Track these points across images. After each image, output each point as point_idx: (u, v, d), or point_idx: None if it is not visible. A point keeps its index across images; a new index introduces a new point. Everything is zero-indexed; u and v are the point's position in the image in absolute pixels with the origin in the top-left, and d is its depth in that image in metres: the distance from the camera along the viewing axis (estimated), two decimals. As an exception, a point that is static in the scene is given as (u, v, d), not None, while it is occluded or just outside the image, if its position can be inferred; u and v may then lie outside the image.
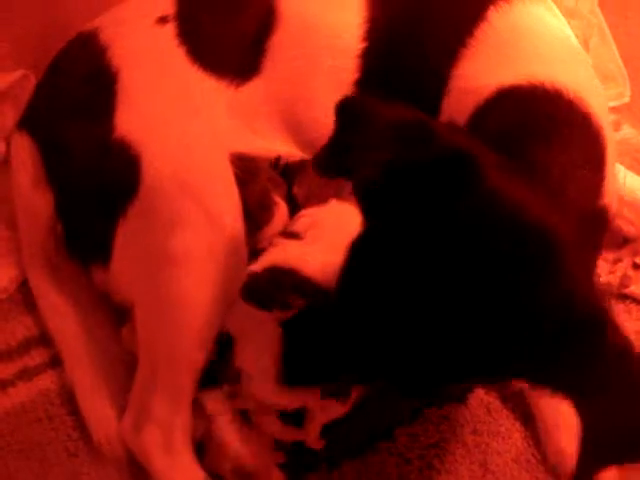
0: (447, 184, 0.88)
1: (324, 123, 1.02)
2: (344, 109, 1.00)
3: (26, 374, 1.37)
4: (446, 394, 1.33)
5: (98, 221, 1.26)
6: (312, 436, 1.23)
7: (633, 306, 1.50)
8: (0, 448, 1.28)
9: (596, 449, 0.98)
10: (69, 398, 1.33)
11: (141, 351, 1.25)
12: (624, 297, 1.51)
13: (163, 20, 1.33)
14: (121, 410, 1.27)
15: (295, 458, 1.25)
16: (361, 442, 1.30)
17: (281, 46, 1.34)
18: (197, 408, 1.23)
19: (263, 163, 1.35)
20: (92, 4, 1.48)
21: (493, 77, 1.21)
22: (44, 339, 1.40)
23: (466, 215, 0.89)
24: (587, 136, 1.13)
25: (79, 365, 1.33)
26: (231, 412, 1.22)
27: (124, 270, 1.27)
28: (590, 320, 0.91)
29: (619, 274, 1.52)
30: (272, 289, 1.10)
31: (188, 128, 1.27)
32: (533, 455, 1.31)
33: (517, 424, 1.34)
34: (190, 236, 1.20)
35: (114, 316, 1.36)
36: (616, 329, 0.94)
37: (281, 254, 1.18)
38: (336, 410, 1.21)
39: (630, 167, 1.63)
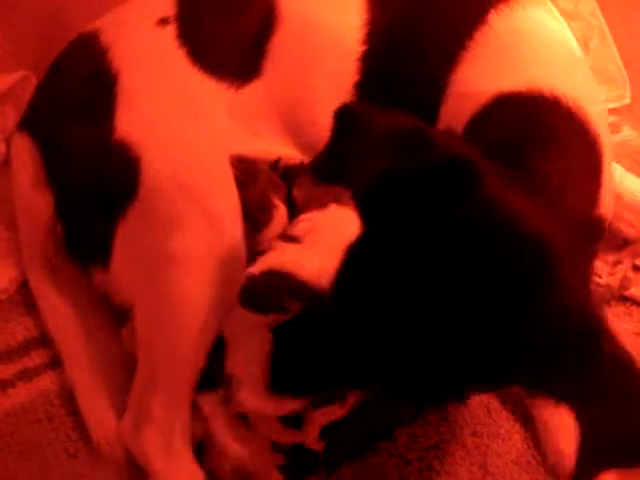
0: (445, 191, 0.88)
1: (324, 125, 1.03)
2: (342, 116, 1.01)
3: (26, 375, 1.37)
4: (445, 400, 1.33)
5: (98, 222, 1.26)
6: (311, 438, 1.23)
7: (634, 308, 1.50)
8: (0, 449, 1.28)
9: (594, 454, 0.98)
10: (69, 399, 1.32)
11: (140, 352, 1.24)
12: (624, 299, 1.50)
13: (164, 21, 1.34)
14: (121, 411, 1.26)
15: (294, 460, 1.25)
16: (361, 443, 1.30)
17: (281, 48, 1.35)
18: (196, 409, 1.23)
19: (263, 165, 1.35)
20: (93, 5, 1.48)
21: (492, 82, 1.21)
22: (44, 340, 1.40)
23: (464, 223, 0.89)
24: (584, 145, 1.14)
25: (79, 366, 1.33)
26: (229, 414, 1.22)
27: (124, 271, 1.27)
28: (586, 329, 0.91)
29: (619, 276, 1.51)
30: (269, 293, 1.09)
31: (188, 130, 1.28)
32: (533, 457, 1.30)
33: (517, 426, 1.33)
34: (190, 237, 1.20)
35: (114, 317, 1.36)
36: (612, 338, 0.95)
37: (279, 257, 1.17)
38: (335, 412, 1.21)
39: (630, 169, 1.63)
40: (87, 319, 1.36)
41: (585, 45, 1.79)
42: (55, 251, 1.36)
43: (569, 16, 1.75)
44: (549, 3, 1.35)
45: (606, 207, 1.14)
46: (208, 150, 1.27)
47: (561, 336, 0.89)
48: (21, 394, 1.34)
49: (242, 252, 1.23)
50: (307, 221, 1.25)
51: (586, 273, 1.11)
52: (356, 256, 0.94)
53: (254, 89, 1.35)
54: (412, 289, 0.89)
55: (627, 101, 1.82)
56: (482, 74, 1.24)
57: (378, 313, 0.91)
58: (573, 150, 1.11)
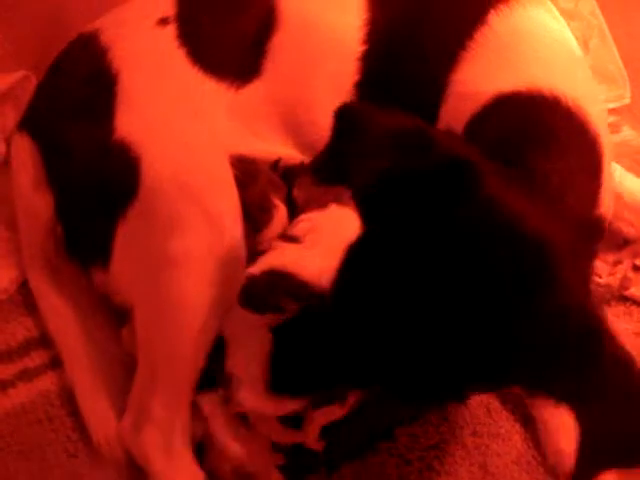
0: (445, 191, 0.88)
1: (324, 125, 1.03)
2: (342, 116, 1.01)
3: (26, 375, 1.37)
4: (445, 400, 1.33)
5: (98, 222, 1.26)
6: (311, 438, 1.23)
7: (634, 308, 1.50)
8: (0, 449, 1.28)
9: (594, 454, 0.98)
10: (69, 399, 1.32)
11: (140, 352, 1.24)
12: (624, 299, 1.51)
13: (164, 21, 1.34)
14: (121, 411, 1.26)
15: (294, 460, 1.25)
16: (361, 443, 1.30)
17: (281, 48, 1.35)
18: (196, 409, 1.23)
19: (263, 165, 1.35)
20: (93, 5, 1.49)
21: (492, 83, 1.21)
22: (44, 340, 1.39)
23: (464, 223, 0.89)
24: (584, 145, 1.14)
25: (79, 366, 1.33)
26: (228, 414, 1.22)
27: (124, 271, 1.27)
28: (586, 329, 0.91)
29: (619, 276, 1.51)
30: (268, 293, 1.09)
31: (188, 129, 1.28)
32: (533, 457, 1.30)
33: (517, 426, 1.34)
34: (190, 237, 1.20)
35: (114, 317, 1.36)
36: (612, 338, 0.95)
37: (279, 257, 1.17)
38: (335, 412, 1.21)
39: (630, 169, 1.63)
40: (87, 319, 1.36)
41: (585, 45, 1.79)
42: (55, 251, 1.36)
43: (569, 15, 1.75)
44: (549, 3, 1.35)
45: (606, 207, 1.14)
46: (208, 150, 1.27)
47: (561, 336, 0.90)
48: (21, 394, 1.34)
49: (242, 252, 1.23)
50: (307, 221, 1.25)
51: (586, 273, 1.11)
52: (356, 256, 0.94)
53: (254, 89, 1.35)
54: (412, 289, 0.89)
55: (627, 101, 1.82)
56: (482, 74, 1.24)
57: (378, 313, 0.91)
58: (573, 150, 1.11)
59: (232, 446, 1.22)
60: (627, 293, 1.51)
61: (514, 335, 0.89)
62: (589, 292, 1.05)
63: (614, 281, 1.51)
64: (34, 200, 1.34)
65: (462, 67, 1.26)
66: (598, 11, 1.86)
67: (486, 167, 0.93)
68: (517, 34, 1.26)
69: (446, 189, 0.89)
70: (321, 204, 1.27)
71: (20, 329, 1.42)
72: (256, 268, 1.15)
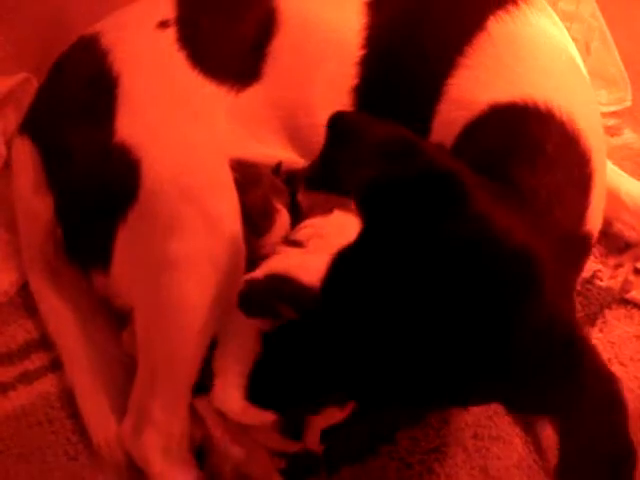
0: (432, 203, 0.89)
1: (323, 130, 1.03)
2: (334, 125, 1.01)
3: (26, 377, 1.37)
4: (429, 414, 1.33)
5: (98, 225, 1.27)
6: (311, 441, 1.22)
7: (635, 311, 1.49)
8: (0, 451, 1.28)
9: (574, 472, 0.98)
10: (69, 401, 1.32)
11: (140, 355, 1.24)
12: (625, 302, 1.50)
13: (164, 25, 1.34)
14: (121, 414, 1.26)
15: (295, 463, 1.25)
16: (362, 446, 1.30)
17: (281, 52, 1.35)
18: (195, 411, 1.23)
19: (265, 169, 1.35)
20: (94, 8, 1.49)
21: (488, 92, 1.20)
22: (44, 343, 1.39)
23: (451, 237, 0.89)
24: (574, 160, 1.12)
25: (79, 369, 1.33)
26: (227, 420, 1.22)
27: (124, 274, 1.27)
28: (567, 344, 0.91)
29: (620, 279, 1.52)
30: (266, 296, 1.09)
31: (188, 132, 1.28)
32: (534, 460, 1.30)
33: (518, 429, 1.33)
34: (190, 240, 1.20)
35: (114, 320, 1.36)
36: (594, 354, 0.95)
37: (282, 262, 1.17)
38: (335, 415, 1.21)
39: (631, 172, 1.63)
40: (87, 322, 1.36)
41: (586, 47, 1.79)
42: (55, 254, 1.36)
43: (569, 18, 1.75)
44: (549, 8, 1.34)
45: (594, 224, 1.13)
46: (208, 153, 1.27)
47: (543, 350, 0.90)
48: (21, 397, 1.34)
49: (242, 255, 1.23)
50: (311, 226, 1.26)
51: (570, 288, 1.11)
52: (343, 264, 0.94)
53: (254, 92, 1.35)
54: (397, 301, 0.89)
55: (628, 104, 1.82)
56: (478, 82, 1.23)
57: (362, 324, 0.91)
58: (561, 165, 1.10)
59: (232, 450, 1.21)
60: (628, 296, 1.51)
61: (497, 348, 0.89)
62: (573, 307, 1.05)
63: (615, 284, 1.51)
64: (34, 203, 1.34)
65: (459, 73, 1.25)
66: (599, 13, 1.87)
67: (471, 180, 0.93)
68: (516, 41, 1.25)
69: (432, 199, 0.89)
70: (325, 210, 1.27)
71: (20, 331, 1.42)
72: (258, 272, 1.16)
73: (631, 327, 1.47)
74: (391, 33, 1.32)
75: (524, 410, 1.02)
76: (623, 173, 1.59)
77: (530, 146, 1.11)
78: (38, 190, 1.33)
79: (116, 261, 1.27)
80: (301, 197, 1.32)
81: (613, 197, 1.51)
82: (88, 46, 1.35)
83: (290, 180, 1.37)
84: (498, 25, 1.26)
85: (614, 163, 1.59)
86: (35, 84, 1.55)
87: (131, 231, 1.24)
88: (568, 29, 1.40)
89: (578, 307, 1.46)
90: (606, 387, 0.95)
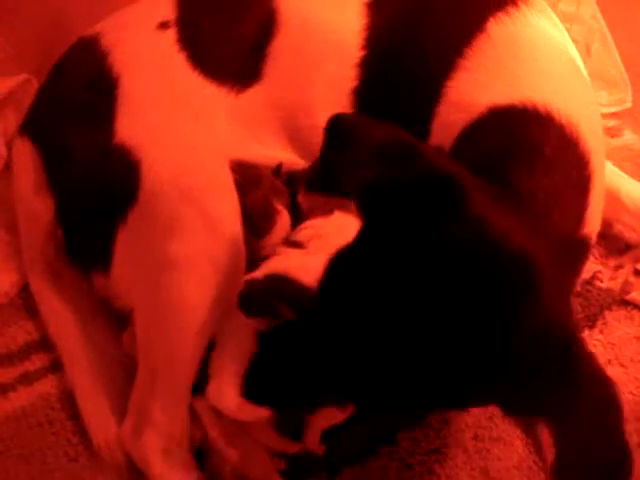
0: (430, 205, 0.89)
1: (323, 131, 1.03)
2: (333, 127, 1.01)
3: (27, 378, 1.37)
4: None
5: (98, 226, 1.27)
6: (312, 441, 1.23)
7: (635, 312, 1.49)
8: (0, 452, 1.28)
9: (570, 474, 0.98)
10: (69, 402, 1.32)
11: (140, 356, 1.25)
12: (626, 303, 1.50)
13: (164, 25, 1.34)
14: (121, 415, 1.26)
15: (295, 464, 1.25)
16: (362, 447, 1.30)
17: (281, 52, 1.35)
18: (195, 413, 1.23)
19: (265, 171, 1.35)
20: (94, 9, 1.49)
21: (487, 94, 1.20)
22: (45, 344, 1.40)
23: (449, 239, 0.89)
24: (572, 163, 1.12)
25: (79, 370, 1.33)
26: (227, 419, 1.22)
27: (124, 275, 1.27)
28: (565, 349, 0.92)
29: (621, 280, 1.52)
30: (267, 296, 1.10)
31: (188, 133, 1.28)
32: (534, 462, 1.30)
33: (518, 430, 1.33)
34: (190, 241, 1.20)
35: (114, 321, 1.36)
36: (591, 358, 0.95)
37: (282, 262, 1.18)
38: (336, 416, 1.21)
39: (632, 173, 1.63)
40: (88, 323, 1.36)
41: (586, 49, 1.79)
42: (56, 255, 1.36)
43: (570, 19, 1.75)
44: (549, 10, 1.34)
45: (592, 227, 1.13)
46: (208, 154, 1.27)
47: (540, 353, 0.91)
48: (22, 398, 1.34)
49: (242, 256, 1.23)
50: (311, 227, 1.26)
51: (568, 291, 1.11)
52: (340, 265, 0.94)
53: (254, 94, 1.35)
54: (394, 303, 0.90)
55: (628, 105, 1.82)
56: (478, 84, 1.23)
57: (356, 327, 0.92)
58: (559, 168, 1.10)
59: (228, 450, 1.21)
60: (628, 297, 1.50)
61: (495, 351, 0.89)
62: (570, 311, 1.05)
63: (615, 285, 1.51)
64: (35, 204, 1.34)
65: (459, 75, 1.25)
66: (599, 15, 1.87)
67: (470, 183, 0.93)
68: (515, 43, 1.25)
69: (431, 202, 0.89)
70: (325, 211, 1.27)
71: (21, 333, 1.42)
72: (258, 272, 1.16)
73: (631, 328, 1.47)
74: (391, 34, 1.32)
75: (521, 413, 1.02)
76: (623, 174, 1.59)
77: (529, 149, 1.11)
78: (38, 191, 1.33)
79: (116, 262, 1.27)
80: (301, 198, 1.32)
81: (613, 198, 1.51)
82: (88, 47, 1.36)
83: (290, 181, 1.37)
84: (498, 27, 1.26)
85: (614, 164, 1.59)
86: (35, 85, 1.55)
87: (131, 232, 1.24)
88: (568, 30, 1.40)
89: (578, 308, 1.46)
90: (602, 391, 0.95)
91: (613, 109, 1.80)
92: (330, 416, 1.21)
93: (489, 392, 0.95)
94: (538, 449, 1.31)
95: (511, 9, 1.28)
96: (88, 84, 1.31)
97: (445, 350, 0.89)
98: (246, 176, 1.30)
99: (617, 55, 1.85)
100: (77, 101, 1.31)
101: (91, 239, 1.29)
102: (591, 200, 1.12)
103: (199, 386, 1.20)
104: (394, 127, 0.98)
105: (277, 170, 1.37)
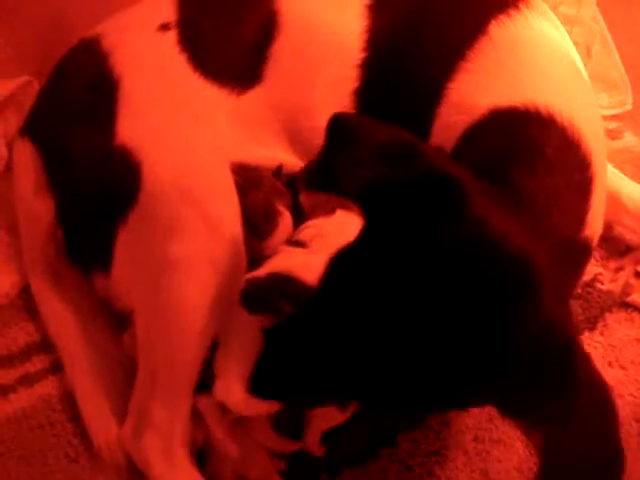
0: (431, 205, 0.89)
1: (324, 132, 1.03)
2: (334, 126, 1.01)
3: (27, 380, 1.37)
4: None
5: (99, 227, 1.27)
6: (312, 443, 1.23)
7: (635, 314, 1.49)
8: (1, 454, 1.28)
9: (564, 475, 0.99)
10: (70, 404, 1.32)
11: (141, 357, 1.25)
12: (626, 305, 1.50)
13: (165, 27, 1.34)
14: (122, 416, 1.26)
15: (295, 465, 1.25)
16: (362, 449, 1.30)
17: (282, 54, 1.35)
18: (197, 414, 1.23)
19: (265, 172, 1.35)
20: (95, 10, 1.49)
21: (489, 96, 1.20)
22: (45, 345, 1.40)
23: (449, 240, 0.89)
24: (574, 165, 1.12)
25: (80, 371, 1.33)
26: (228, 419, 1.22)
27: (125, 276, 1.27)
28: (564, 352, 0.92)
29: (621, 282, 1.51)
30: (269, 294, 1.10)
31: (189, 135, 1.28)
32: (535, 464, 1.30)
33: (519, 432, 1.33)
34: (190, 242, 1.20)
35: (115, 322, 1.36)
36: (588, 362, 0.95)
37: (285, 261, 1.18)
38: (336, 417, 1.21)
39: (632, 175, 1.63)
40: (88, 324, 1.36)
41: (587, 51, 1.79)
42: (56, 256, 1.36)
43: (570, 22, 1.75)
44: (550, 12, 1.34)
45: (593, 229, 1.13)
46: (209, 155, 1.27)
47: (538, 355, 0.91)
48: (22, 399, 1.34)
49: (242, 257, 1.23)
50: (313, 227, 1.26)
51: (568, 293, 1.11)
52: (341, 264, 0.94)
53: (255, 95, 1.35)
54: (392, 302, 0.90)
55: (629, 107, 1.82)
56: (479, 86, 1.23)
57: (356, 325, 0.92)
58: (561, 169, 1.10)
59: (233, 451, 1.21)
60: (629, 299, 1.50)
61: (493, 351, 0.90)
62: (570, 313, 1.05)
63: (616, 287, 1.51)
64: (35, 205, 1.34)
65: (460, 77, 1.25)
66: (600, 17, 1.87)
67: (471, 184, 0.93)
68: (517, 45, 1.25)
69: (431, 202, 0.89)
70: (327, 210, 1.27)
71: (21, 334, 1.42)
72: (261, 271, 1.16)
73: (632, 330, 1.47)
74: (392, 36, 1.32)
75: (518, 414, 1.02)
76: (624, 176, 1.59)
77: (530, 150, 1.11)
78: (39, 192, 1.34)
79: (116, 263, 1.27)
80: (303, 198, 1.32)
81: (614, 200, 1.51)
82: (89, 48, 1.36)
83: (291, 183, 1.37)
84: (499, 29, 1.26)
85: (615, 166, 1.59)
86: (36, 87, 1.55)
87: (132, 233, 1.24)
88: (569, 33, 1.40)
89: (579, 310, 1.46)
90: (598, 394, 0.95)
91: (613, 111, 1.80)
92: (330, 417, 1.22)
93: (488, 392, 0.95)
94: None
95: (512, 11, 1.28)
96: (89, 85, 1.32)
97: (444, 349, 0.89)
98: (247, 178, 1.30)
99: (617, 57, 1.85)
100: (78, 102, 1.31)
101: (91, 240, 1.29)
102: (593, 202, 1.12)
103: (203, 385, 1.21)
104: (395, 127, 0.99)
105: (277, 171, 1.37)
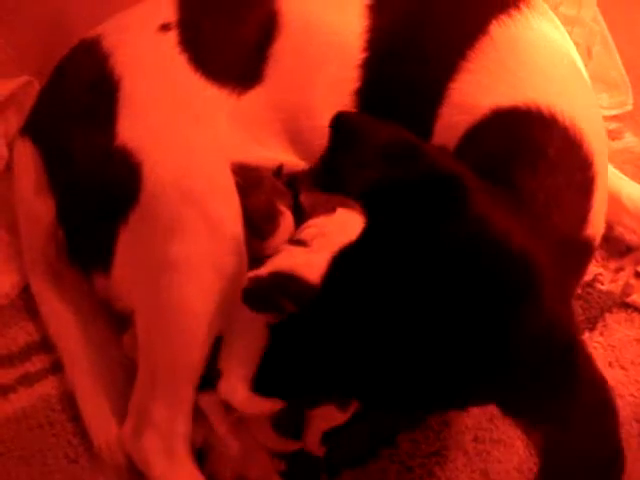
0: (433, 205, 0.89)
1: (324, 132, 1.03)
2: (337, 126, 1.01)
3: (27, 380, 1.37)
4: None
5: (99, 227, 1.27)
6: (312, 443, 1.23)
7: (635, 315, 1.49)
8: (1, 454, 1.28)
9: (564, 474, 0.99)
10: (70, 404, 1.32)
11: (141, 357, 1.25)
12: (626, 306, 1.50)
13: (165, 27, 1.34)
14: (122, 416, 1.26)
15: (295, 465, 1.25)
16: (362, 449, 1.30)
17: (283, 54, 1.35)
18: (197, 414, 1.23)
19: (266, 172, 1.35)
20: (95, 10, 1.49)
21: (490, 96, 1.21)
22: (45, 345, 1.40)
23: (450, 239, 0.89)
24: (576, 164, 1.13)
25: (80, 371, 1.33)
26: (229, 419, 1.22)
27: (125, 277, 1.27)
28: (565, 352, 0.92)
29: (621, 283, 1.52)
30: (271, 292, 1.10)
31: (189, 135, 1.28)
32: (535, 464, 1.30)
33: (519, 432, 1.33)
34: (190, 242, 1.20)
35: (115, 323, 1.36)
36: (590, 361, 0.95)
37: (287, 260, 1.18)
38: (336, 417, 1.21)
39: (632, 175, 1.63)
40: (88, 324, 1.36)
41: (587, 51, 1.79)
42: (56, 256, 1.36)
43: (571, 22, 1.75)
44: (550, 12, 1.34)
45: (595, 229, 1.14)
46: (209, 156, 1.27)
47: (540, 355, 0.91)
48: (22, 399, 1.34)
49: (243, 257, 1.23)
50: (314, 226, 1.26)
51: (569, 292, 1.12)
52: (343, 262, 0.95)
53: (256, 95, 1.36)
54: (394, 302, 0.90)
55: (629, 107, 1.82)
56: (480, 86, 1.23)
57: (357, 324, 0.92)
58: (562, 169, 1.10)
59: (233, 451, 1.21)
60: (629, 300, 1.51)
61: (494, 352, 0.90)
62: (571, 312, 1.05)
63: (616, 288, 1.51)
64: (36, 205, 1.34)
65: (461, 77, 1.26)
66: (600, 17, 1.87)
67: (473, 183, 0.94)
68: (518, 45, 1.26)
69: (434, 202, 0.89)
70: (328, 209, 1.27)
71: (21, 334, 1.42)
72: (263, 269, 1.16)
73: (632, 331, 1.47)
74: (393, 36, 1.32)
75: (519, 414, 1.02)
76: (624, 176, 1.59)
77: (532, 150, 1.11)
78: (40, 192, 1.34)
79: (117, 263, 1.27)
80: (303, 198, 1.33)
81: (614, 201, 1.51)
82: (90, 49, 1.36)
83: (291, 182, 1.37)
84: (500, 29, 1.26)
85: (615, 167, 1.59)
86: (36, 87, 1.55)
87: (132, 233, 1.24)
88: (569, 33, 1.40)
89: (579, 310, 1.47)
90: (599, 394, 0.95)
91: (614, 112, 1.80)
92: (330, 417, 1.22)
93: (488, 392, 0.95)
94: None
95: (513, 12, 1.28)
96: (90, 86, 1.32)
97: (445, 348, 0.89)
98: (247, 178, 1.30)
99: (618, 58, 1.85)
100: (79, 103, 1.31)
101: (92, 240, 1.29)
102: (594, 202, 1.13)
103: (204, 383, 1.21)
104: (397, 127, 0.99)
105: (278, 172, 1.37)
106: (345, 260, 0.94)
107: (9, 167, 1.48)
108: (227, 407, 1.19)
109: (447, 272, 0.88)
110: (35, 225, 1.36)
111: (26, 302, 1.44)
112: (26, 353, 1.40)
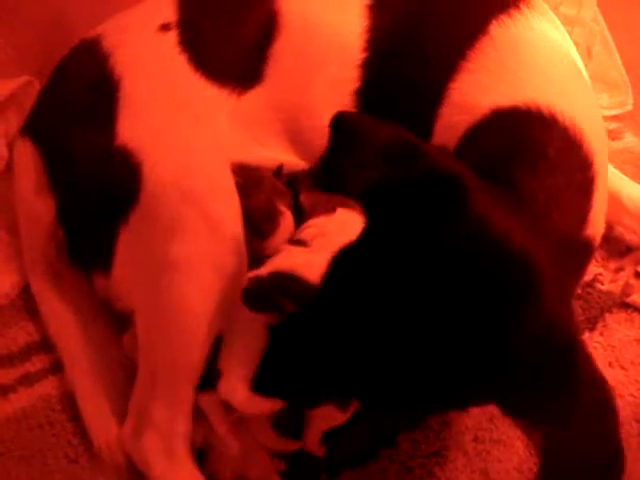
0: (433, 205, 0.89)
1: (324, 132, 1.03)
2: (337, 126, 1.01)
3: (27, 380, 1.37)
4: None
5: (100, 227, 1.27)
6: (312, 443, 1.23)
7: (635, 315, 1.49)
8: (1, 454, 1.28)
9: (564, 474, 0.99)
10: (70, 404, 1.32)
11: (141, 357, 1.25)
12: (626, 306, 1.50)
13: (165, 27, 1.34)
14: (122, 416, 1.26)
15: (295, 465, 1.25)
16: (362, 449, 1.29)
17: (283, 54, 1.35)
18: (197, 414, 1.23)
19: (266, 172, 1.35)
20: (95, 10, 1.49)
21: (490, 96, 1.21)
22: (45, 345, 1.40)
23: (451, 239, 0.90)
24: (576, 164, 1.13)
25: (80, 371, 1.33)
26: (229, 419, 1.22)
27: (125, 277, 1.27)
28: (565, 352, 0.92)
29: (621, 283, 1.52)
30: (271, 292, 1.10)
31: (189, 135, 1.28)
32: (535, 464, 1.30)
33: (519, 432, 1.33)
34: (191, 242, 1.20)
35: (115, 323, 1.36)
36: (590, 361, 0.95)
37: (287, 260, 1.18)
38: (337, 418, 1.21)
39: (632, 175, 1.63)
40: (88, 324, 1.36)
41: (587, 51, 1.79)
42: (57, 256, 1.36)
43: (571, 22, 1.75)
44: (550, 12, 1.34)
45: (595, 228, 1.14)
46: (209, 156, 1.27)
47: (540, 355, 0.91)
48: (22, 399, 1.34)
49: (243, 257, 1.23)
50: (314, 226, 1.26)
51: (569, 292, 1.12)
52: (343, 262, 0.95)
53: (256, 95, 1.36)
54: (394, 301, 0.90)
55: (629, 108, 1.82)
56: (480, 86, 1.24)
57: (357, 324, 0.92)
58: (562, 169, 1.10)
59: (232, 445, 1.21)
60: (629, 300, 1.51)
61: (494, 352, 0.90)
62: (572, 312, 1.05)
63: (616, 288, 1.51)
64: (36, 205, 1.34)
65: (461, 77, 1.26)
66: (600, 17, 1.87)
67: (473, 183, 0.94)
68: (518, 45, 1.26)
69: (434, 202, 0.90)
70: (328, 209, 1.27)
71: (21, 334, 1.42)
72: (263, 269, 1.16)
73: (632, 331, 1.47)
74: (393, 36, 1.32)
75: (519, 414, 1.02)
76: (624, 176, 1.60)
77: (532, 150, 1.11)
78: (40, 192, 1.34)
79: (117, 263, 1.27)
80: (303, 198, 1.33)
81: (614, 201, 1.51)
82: (90, 49, 1.36)
83: (291, 182, 1.37)
84: (500, 29, 1.27)
85: (615, 167, 1.59)
86: (37, 87, 1.55)
87: (132, 233, 1.24)
88: (569, 33, 1.40)
89: (579, 310, 1.47)
90: (599, 394, 0.96)
91: (614, 112, 1.80)
92: (330, 417, 1.22)
93: (488, 392, 0.95)
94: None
95: (513, 12, 1.28)
96: (90, 86, 1.32)
97: (445, 347, 0.89)
98: (247, 178, 1.30)
99: (618, 58, 1.85)
100: (79, 103, 1.32)
101: (92, 240, 1.29)
102: (594, 202, 1.13)
103: (204, 382, 1.21)
104: (397, 127, 0.99)
105: (278, 171, 1.38)
106: (345, 260, 0.94)
107: (9, 167, 1.48)
108: (227, 407, 1.19)
109: (447, 272, 0.89)
110: (35, 225, 1.36)
111: (26, 302, 1.44)
112: (26, 353, 1.40)
